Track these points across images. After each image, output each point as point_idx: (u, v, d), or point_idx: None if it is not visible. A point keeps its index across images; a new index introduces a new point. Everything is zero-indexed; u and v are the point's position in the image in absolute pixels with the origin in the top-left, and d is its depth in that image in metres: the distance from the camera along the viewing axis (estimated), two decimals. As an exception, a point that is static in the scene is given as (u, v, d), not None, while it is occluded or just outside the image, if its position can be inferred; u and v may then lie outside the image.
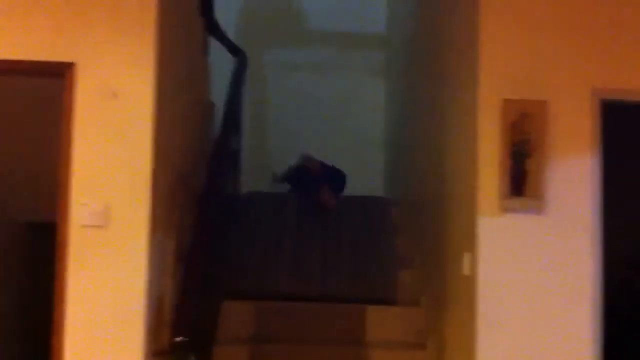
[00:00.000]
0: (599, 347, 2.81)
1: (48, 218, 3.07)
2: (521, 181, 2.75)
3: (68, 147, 2.93)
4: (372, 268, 4.47)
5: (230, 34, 5.17)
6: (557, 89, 2.84)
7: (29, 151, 3.72)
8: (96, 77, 2.93)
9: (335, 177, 5.21)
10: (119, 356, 2.79)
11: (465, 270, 2.96)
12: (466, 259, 2.95)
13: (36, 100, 3.33)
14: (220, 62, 4.92)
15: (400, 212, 5.04)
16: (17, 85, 3.27)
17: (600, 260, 2.83)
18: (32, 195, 3.74)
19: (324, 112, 6.26)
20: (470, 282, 2.89)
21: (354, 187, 5.31)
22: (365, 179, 5.69)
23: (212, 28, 4.70)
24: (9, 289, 3.96)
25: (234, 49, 5.13)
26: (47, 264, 2.92)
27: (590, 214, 2.83)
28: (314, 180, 5.12)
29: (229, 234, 4.52)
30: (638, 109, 2.93)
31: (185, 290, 3.21)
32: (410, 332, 4.10)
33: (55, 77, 2.98)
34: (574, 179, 2.82)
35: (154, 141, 2.93)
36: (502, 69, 2.85)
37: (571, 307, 2.81)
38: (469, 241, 2.91)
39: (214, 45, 4.88)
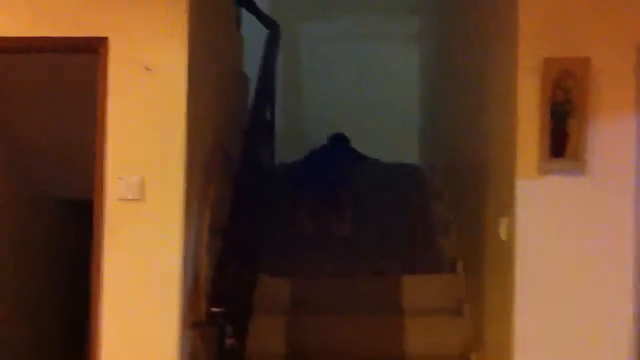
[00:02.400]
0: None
1: (82, 195, 3.10)
2: (562, 142, 2.67)
3: (103, 122, 2.94)
4: (408, 237, 4.44)
5: (263, 6, 5.13)
6: (600, 44, 2.73)
7: (62, 129, 3.76)
8: (129, 51, 2.93)
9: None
10: (156, 327, 2.81)
11: (503, 235, 2.90)
12: (503, 223, 2.89)
13: (70, 75, 3.34)
14: (253, 34, 4.89)
15: (436, 179, 4.99)
16: (50, 61, 3.29)
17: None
18: (66, 173, 3.77)
19: (357, 81, 6.22)
20: (508, 247, 2.84)
21: (389, 154, 5.26)
22: (400, 146, 5.64)
23: (245, 0, 4.67)
24: (47, 267, 4.03)
25: (266, 21, 5.10)
26: (82, 241, 2.95)
27: (633, 175, 2.74)
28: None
29: (264, 207, 4.53)
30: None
31: (221, 262, 3.23)
32: (448, 299, 4.08)
33: (89, 52, 2.99)
34: (617, 140, 2.72)
35: (188, 113, 2.93)
36: (541, 26, 2.75)
37: (612, 271, 2.73)
38: (508, 205, 2.85)
39: (247, 17, 4.85)
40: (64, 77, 3.40)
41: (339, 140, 5.41)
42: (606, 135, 2.72)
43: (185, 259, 2.89)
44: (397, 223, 4.53)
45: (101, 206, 2.90)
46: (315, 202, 4.56)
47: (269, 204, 4.60)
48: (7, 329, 3.62)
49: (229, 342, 3.01)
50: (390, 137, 5.75)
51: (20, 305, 3.75)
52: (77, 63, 3.17)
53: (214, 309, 2.94)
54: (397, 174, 5.03)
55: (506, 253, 2.86)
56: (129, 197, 2.89)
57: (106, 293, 2.84)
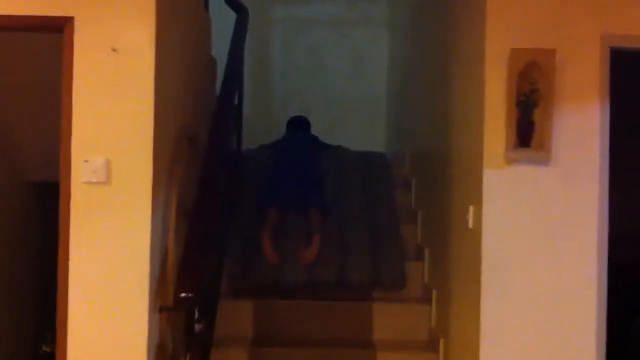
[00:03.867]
0: (604, 296, 2.80)
1: (56, 177, 3.05)
2: (528, 132, 2.71)
3: (69, 104, 2.89)
4: (374, 224, 4.47)
5: (231, -12, 5.08)
6: (566, 36, 2.78)
7: (36, 110, 3.70)
8: (95, 32, 2.88)
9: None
10: (124, 311, 2.79)
11: (470, 223, 2.94)
12: (471, 211, 2.93)
13: (42, 58, 3.28)
14: (222, 16, 4.85)
15: (404, 168, 5.02)
16: (21, 43, 3.21)
17: (607, 213, 2.81)
18: (40, 155, 3.71)
19: (325, 68, 6.21)
20: (474, 235, 2.88)
21: (356, 142, 5.27)
22: (367, 134, 5.66)
23: (213, -18, 4.62)
24: (20, 249, 3.97)
25: (235, 5, 5.06)
26: (56, 222, 2.92)
27: (598, 165, 2.79)
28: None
29: (232, 191, 4.51)
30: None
31: (189, 247, 3.21)
32: (415, 288, 4.13)
33: (54, 32, 2.93)
34: (582, 130, 2.78)
35: (156, 95, 2.89)
36: (509, 17, 2.79)
37: (576, 258, 2.79)
38: (475, 194, 2.89)
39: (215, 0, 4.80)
40: (35, 57, 3.33)
41: (301, 125, 5.09)
42: (572, 125, 2.77)
43: (153, 243, 2.87)
44: (363, 211, 4.55)
45: (67, 190, 2.86)
46: (281, 224, 4.30)
47: (235, 191, 4.59)
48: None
49: (197, 327, 3.00)
50: (357, 125, 5.76)
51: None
52: (47, 43, 3.11)
53: (182, 294, 2.93)
54: (363, 165, 5.03)
55: (473, 241, 2.90)
56: (95, 180, 2.85)
57: (73, 277, 2.81)
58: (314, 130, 5.20)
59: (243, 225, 4.36)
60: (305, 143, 4.92)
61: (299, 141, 4.93)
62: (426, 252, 4.12)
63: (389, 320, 3.91)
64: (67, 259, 2.82)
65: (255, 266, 4.11)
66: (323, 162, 4.83)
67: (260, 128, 5.76)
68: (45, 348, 3.73)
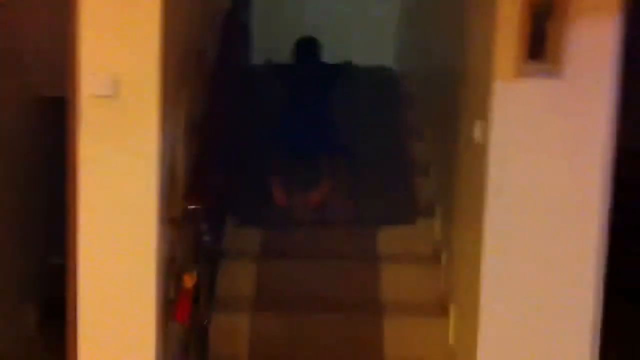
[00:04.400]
0: (606, 210, 2.81)
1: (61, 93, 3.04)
2: (541, 44, 2.66)
3: (74, 18, 2.86)
4: (380, 141, 4.47)
5: None
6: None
7: (43, 26, 3.66)
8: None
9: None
10: (133, 224, 2.81)
11: (477, 137, 2.93)
12: (478, 125, 2.91)
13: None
14: None
15: (413, 84, 4.99)
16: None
17: (615, 127, 2.78)
18: (52, 70, 3.69)
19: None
20: (481, 149, 2.87)
21: (365, 58, 5.21)
22: (376, 50, 5.59)
23: None
24: (33, 163, 4.00)
25: None
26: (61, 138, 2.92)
27: (611, 80, 2.75)
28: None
29: (241, 107, 4.51)
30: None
31: (197, 161, 3.23)
32: (419, 201, 4.17)
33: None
34: (597, 44, 2.71)
35: (163, 7, 2.84)
36: None
37: (583, 175, 2.78)
38: (484, 108, 2.86)
39: None
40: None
41: (310, 51, 4.71)
42: (586, 37, 2.71)
43: (162, 156, 2.87)
44: (371, 127, 4.55)
45: (75, 103, 2.86)
46: (290, 167, 4.24)
47: (244, 110, 4.57)
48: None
49: (206, 238, 3.05)
50: (366, 40, 5.69)
51: (1, 198, 3.74)
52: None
53: (191, 206, 2.96)
54: (372, 79, 4.98)
55: (479, 155, 2.89)
56: (103, 94, 2.84)
57: (83, 190, 2.82)
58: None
59: (251, 160, 4.34)
60: (317, 75, 4.60)
61: (310, 75, 4.61)
62: (432, 169, 4.14)
63: (394, 234, 3.93)
64: (75, 171, 2.84)
65: (262, 206, 4.11)
66: (335, 89, 4.59)
67: (268, 42, 5.69)
68: (55, 260, 3.80)
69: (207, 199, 3.11)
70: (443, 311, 3.52)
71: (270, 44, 5.60)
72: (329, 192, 4.09)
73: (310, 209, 4.06)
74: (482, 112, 2.88)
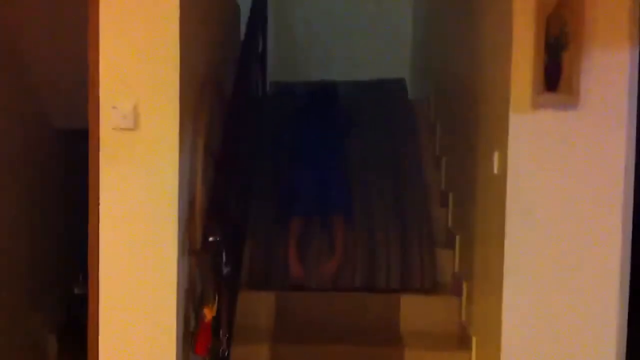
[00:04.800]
0: (628, 245, 2.81)
1: (79, 124, 3.08)
2: (556, 76, 2.68)
3: (96, 51, 2.90)
4: (397, 169, 4.45)
5: None
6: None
7: (66, 60, 3.73)
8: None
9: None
10: (154, 255, 2.84)
11: (495, 168, 2.94)
12: (496, 157, 2.93)
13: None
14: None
15: (428, 112, 5.00)
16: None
17: (634, 157, 2.79)
18: (72, 103, 3.74)
19: (350, 12, 6.16)
20: (499, 181, 2.88)
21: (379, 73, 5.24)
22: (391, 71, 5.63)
23: None
24: (50, 196, 4.04)
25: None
26: (81, 171, 2.96)
27: (627, 109, 2.76)
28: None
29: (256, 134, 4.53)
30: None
31: (216, 191, 3.26)
32: (439, 232, 4.16)
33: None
34: (611, 74, 2.73)
35: (181, 40, 2.89)
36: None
37: (602, 206, 2.77)
38: (500, 139, 2.88)
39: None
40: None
41: (326, 102, 4.41)
42: (601, 69, 2.73)
43: (181, 187, 2.90)
44: (387, 154, 4.54)
45: (96, 135, 2.90)
46: (304, 230, 4.01)
47: (259, 138, 4.60)
48: (5, 254, 3.66)
49: (225, 269, 3.06)
50: (382, 67, 5.73)
51: (20, 231, 3.78)
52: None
53: (211, 237, 2.98)
54: (386, 104, 4.96)
55: (498, 187, 2.91)
56: (124, 126, 2.88)
57: (103, 221, 2.86)
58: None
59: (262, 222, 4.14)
60: (331, 126, 4.29)
61: (324, 128, 4.27)
62: (450, 197, 4.15)
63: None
64: (97, 204, 2.87)
65: (276, 271, 3.92)
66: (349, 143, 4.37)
67: (284, 68, 5.76)
68: (76, 290, 3.83)
69: (226, 229, 3.13)
70: (464, 343, 3.51)
71: (286, 69, 5.67)
72: (344, 260, 3.89)
73: (325, 279, 3.87)
74: (500, 143, 2.90)
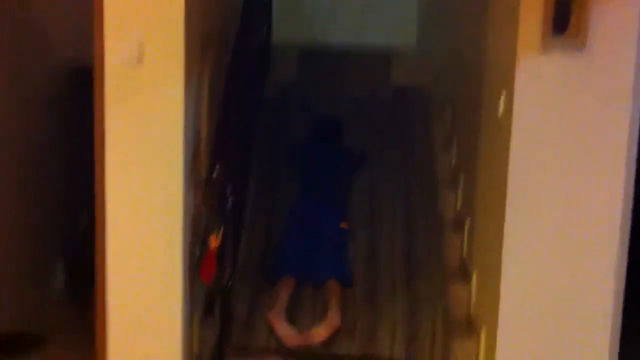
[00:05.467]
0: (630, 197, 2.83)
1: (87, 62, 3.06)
2: (565, 17, 2.68)
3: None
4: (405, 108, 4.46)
5: None
6: None
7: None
8: None
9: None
10: (159, 187, 2.87)
11: (500, 110, 2.96)
12: (502, 99, 2.94)
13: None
14: None
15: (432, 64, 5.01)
16: None
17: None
18: (80, 41, 3.72)
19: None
20: (504, 123, 2.90)
21: (386, 36, 5.23)
22: (397, 27, 5.60)
23: None
24: (64, 134, 4.05)
25: None
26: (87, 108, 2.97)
27: (635, 57, 2.75)
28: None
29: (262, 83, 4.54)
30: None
31: (221, 127, 3.28)
32: (443, 171, 4.22)
33: None
34: (621, 19, 2.72)
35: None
36: None
37: (605, 149, 2.78)
38: (507, 81, 2.88)
39: None
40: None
41: (328, 139, 4.24)
42: (610, 14, 2.72)
43: (187, 122, 2.91)
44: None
45: (101, 71, 2.88)
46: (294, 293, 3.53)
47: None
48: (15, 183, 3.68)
49: (230, 200, 3.08)
50: (387, 17, 5.69)
51: (28, 160, 3.80)
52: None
53: (215, 170, 3.02)
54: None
55: (502, 129, 2.93)
56: (128, 61, 2.87)
57: (109, 157, 2.87)
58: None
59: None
60: (332, 173, 4.06)
61: (323, 174, 4.05)
62: (454, 140, 4.18)
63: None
64: (103, 139, 2.88)
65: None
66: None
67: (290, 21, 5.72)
68: (84, 220, 3.85)
69: (230, 164, 3.16)
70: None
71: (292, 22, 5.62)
72: (337, 327, 3.34)
73: (315, 346, 3.32)
74: (506, 85, 2.90)
